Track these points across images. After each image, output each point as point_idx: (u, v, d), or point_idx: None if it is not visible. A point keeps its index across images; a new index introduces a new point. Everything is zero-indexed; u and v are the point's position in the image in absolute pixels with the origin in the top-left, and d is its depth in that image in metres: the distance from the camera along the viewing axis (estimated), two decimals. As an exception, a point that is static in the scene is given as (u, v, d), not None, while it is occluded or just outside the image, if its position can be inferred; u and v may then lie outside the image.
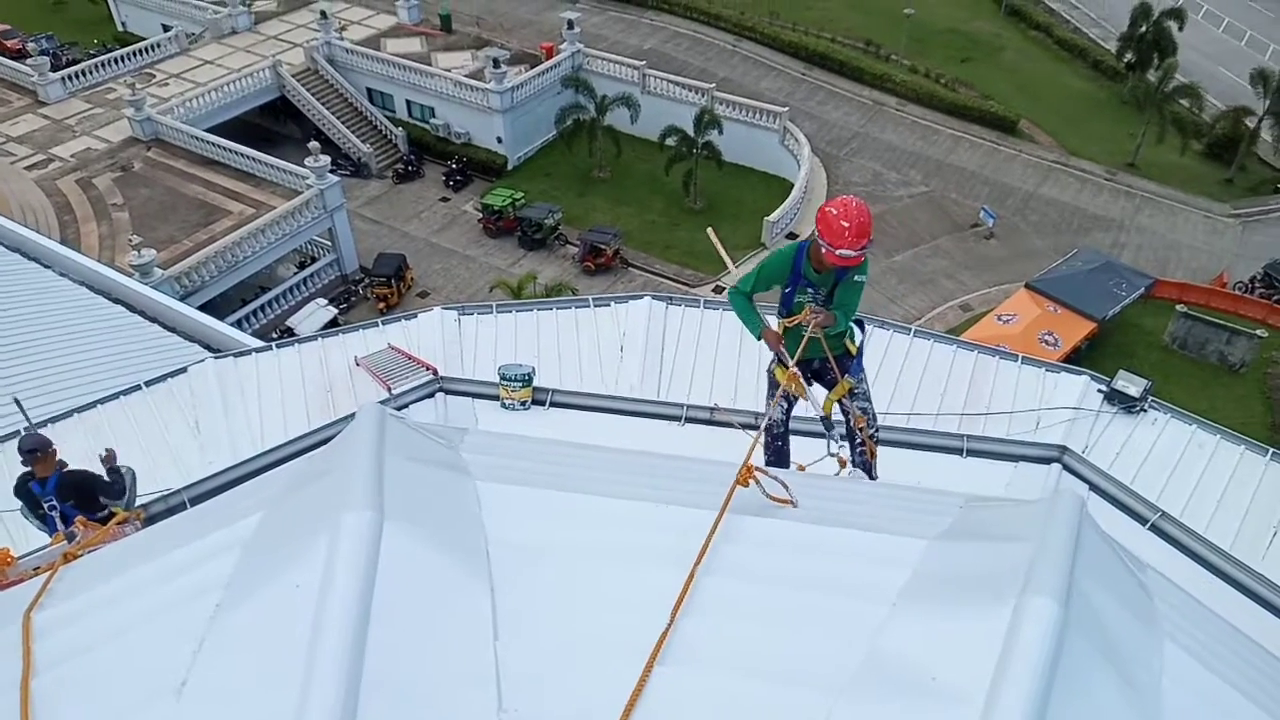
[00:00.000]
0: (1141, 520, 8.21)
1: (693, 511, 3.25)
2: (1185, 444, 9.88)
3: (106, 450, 7.17)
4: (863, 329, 5.93)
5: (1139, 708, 2.42)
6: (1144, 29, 40.52)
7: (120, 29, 45.23)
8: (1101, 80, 43.65)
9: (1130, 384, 10.12)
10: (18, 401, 8.08)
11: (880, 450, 6.11)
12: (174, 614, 2.56)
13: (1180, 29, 40.10)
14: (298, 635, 2.17)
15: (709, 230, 7.41)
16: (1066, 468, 8.68)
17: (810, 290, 5.50)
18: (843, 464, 5.99)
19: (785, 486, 3.35)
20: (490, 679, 2.24)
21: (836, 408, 5.97)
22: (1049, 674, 2.16)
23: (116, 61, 37.58)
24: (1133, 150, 38.07)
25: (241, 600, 2.49)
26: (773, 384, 5.92)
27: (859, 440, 5.97)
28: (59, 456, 7.00)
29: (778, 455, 6.05)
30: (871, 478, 5.91)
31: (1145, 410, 10.10)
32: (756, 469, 3.35)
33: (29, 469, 6.79)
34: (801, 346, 5.33)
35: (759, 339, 5.73)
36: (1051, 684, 2.15)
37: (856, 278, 5.40)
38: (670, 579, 2.76)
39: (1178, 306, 29.93)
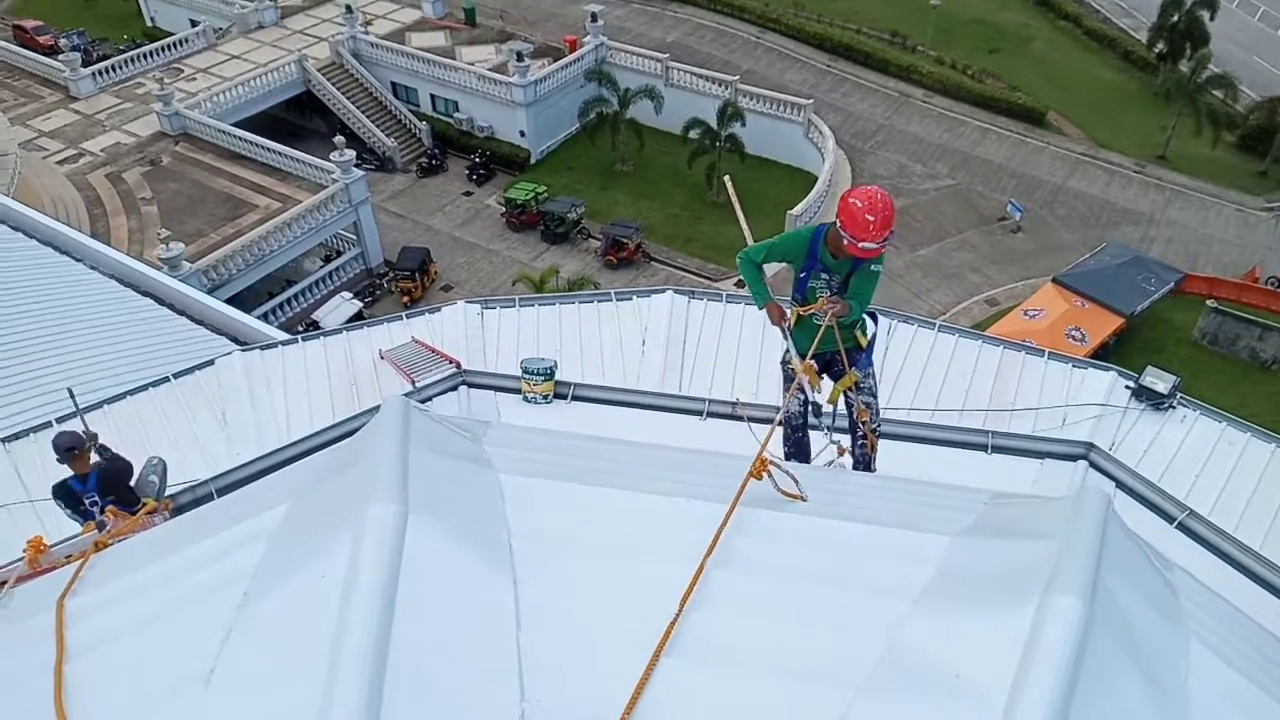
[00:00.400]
0: (1169, 519, 8.11)
1: (715, 506, 3.26)
2: (1215, 442, 9.75)
3: (84, 430, 7.18)
4: (875, 321, 5.87)
5: (1163, 708, 2.40)
6: (1176, 18, 39.81)
7: (149, 24, 45.76)
8: (1132, 71, 42.96)
9: (1158, 380, 10.00)
10: (70, 392, 8.27)
11: (905, 446, 6.08)
12: (202, 603, 2.61)
13: (1212, 18, 39.35)
14: (323, 626, 2.20)
15: (725, 179, 7.25)
16: (1093, 465, 8.59)
17: (825, 276, 5.47)
18: (841, 452, 5.95)
19: (796, 481, 3.35)
20: (513, 670, 2.26)
21: (840, 399, 5.96)
22: (1072, 673, 2.14)
23: (145, 57, 38.05)
24: (1163, 142, 37.46)
25: (268, 591, 2.53)
26: (788, 377, 5.90)
27: (860, 433, 5.95)
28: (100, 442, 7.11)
29: (798, 447, 6.04)
30: (869, 471, 5.89)
31: (1174, 407, 9.98)
32: (770, 462, 3.34)
33: (66, 468, 6.87)
34: (817, 339, 5.32)
35: (762, 308, 5.72)
36: (1075, 683, 2.13)
37: (873, 267, 5.37)
38: (689, 572, 2.77)
39: (1208, 302, 29.47)
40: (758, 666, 2.41)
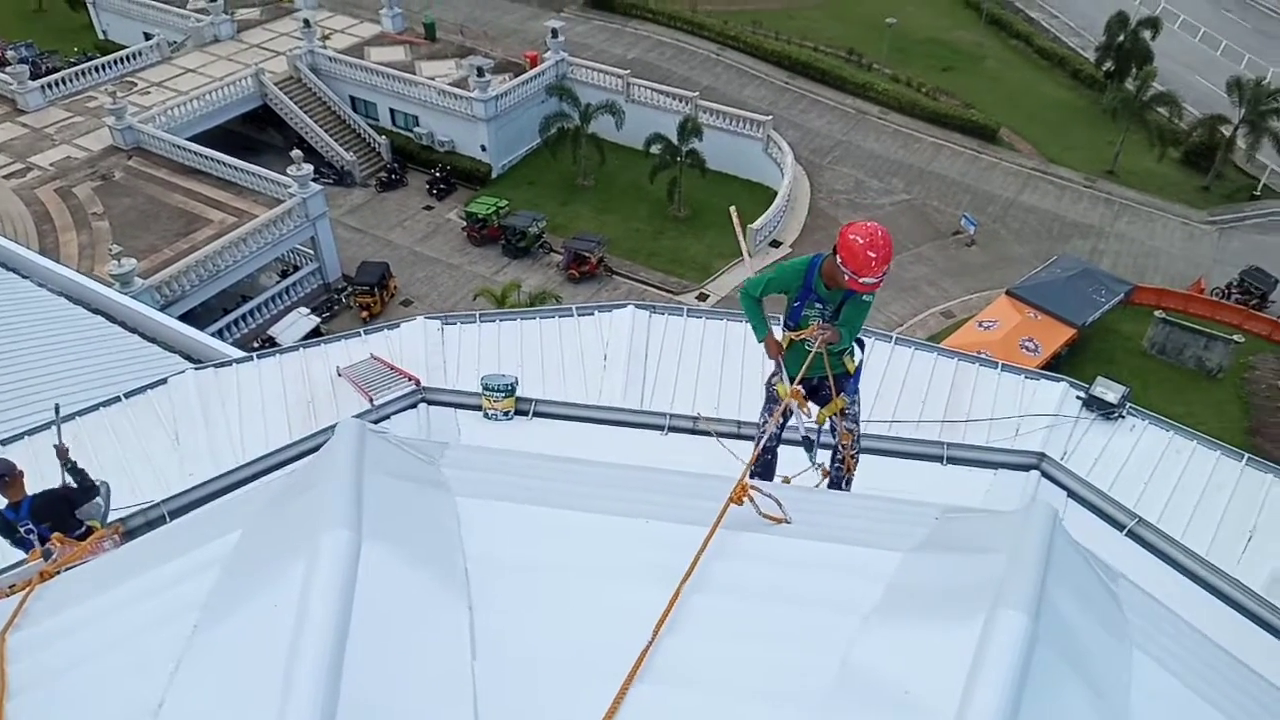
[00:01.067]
0: (1119, 526, 8.29)
1: (677, 527, 3.26)
2: (1163, 450, 9.99)
3: (56, 445, 7.03)
4: (862, 348, 5.98)
5: (1107, 716, 2.46)
6: (1121, 38, 41.05)
7: (101, 37, 44.94)
8: (1081, 89, 44.14)
9: (1108, 390, 10.23)
10: (57, 408, 8.02)
11: (863, 459, 6.18)
12: (151, 635, 2.55)
13: (1155, 38, 40.64)
14: (275, 656, 2.18)
15: (731, 210, 7.32)
16: (1045, 475, 8.76)
17: (819, 306, 5.57)
18: (825, 475, 6.07)
19: (779, 504, 3.36)
20: (467, 699, 2.25)
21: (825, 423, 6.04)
22: (1018, 686, 2.19)
23: (97, 70, 37.35)
24: (1111, 158, 38.51)
25: (219, 621, 2.49)
26: (772, 398, 5.97)
27: (839, 456, 6.04)
28: (64, 460, 6.92)
29: (765, 467, 6.09)
30: (845, 490, 5.98)
31: (1123, 416, 10.21)
32: (751, 486, 3.37)
33: None
34: (806, 364, 5.41)
35: (761, 342, 5.81)
36: (1021, 696, 2.18)
37: (865, 297, 5.46)
38: (653, 596, 2.77)
39: (1156, 312, 30.26)
40: (713, 688, 2.43)
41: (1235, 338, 29.30)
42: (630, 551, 3.08)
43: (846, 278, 5.16)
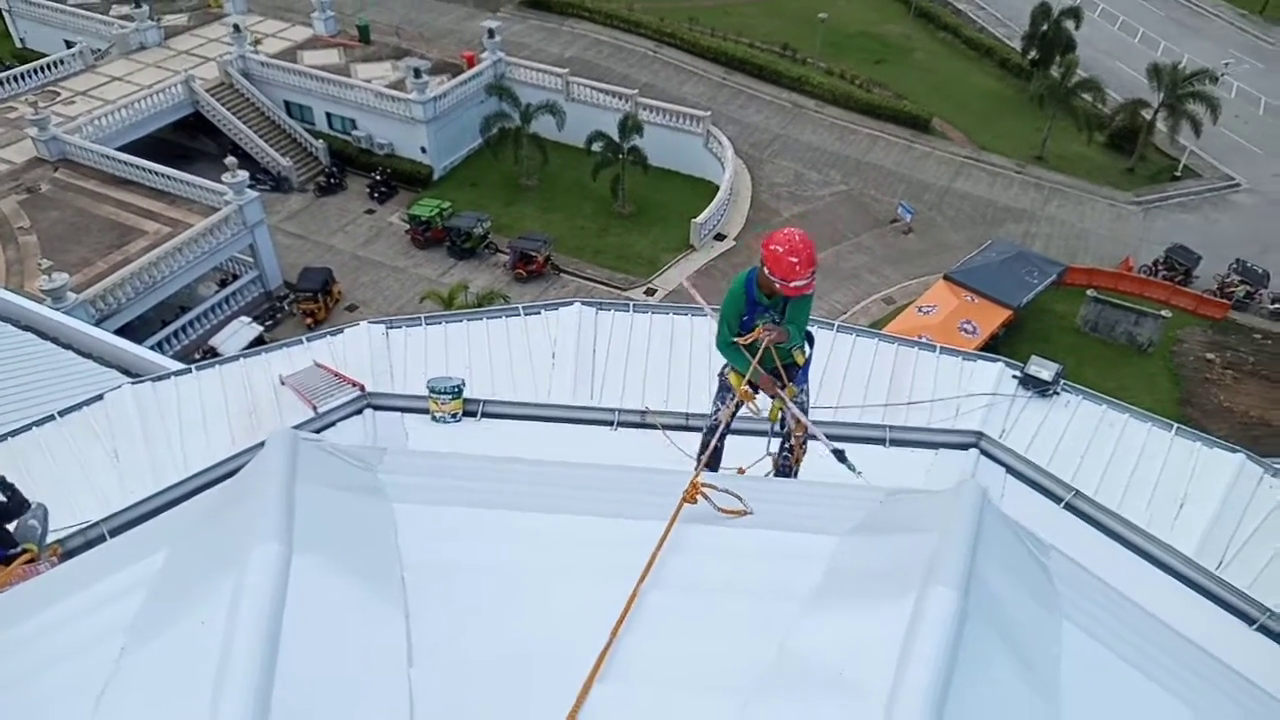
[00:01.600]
0: (1057, 500, 8.51)
1: (624, 523, 3.27)
2: (1097, 424, 10.29)
3: None
4: (812, 343, 6.21)
5: (1038, 687, 2.53)
6: (1045, 27, 42.13)
7: (19, 45, 43.32)
8: (1008, 78, 45.19)
9: (1043, 369, 10.51)
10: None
11: (808, 444, 6.32)
12: (76, 661, 2.47)
13: (1078, 27, 41.82)
14: (204, 675, 2.13)
15: (684, 283, 7.87)
16: (984, 452, 8.95)
17: (767, 315, 5.82)
18: (776, 466, 6.30)
19: (739, 498, 3.38)
20: (403, 707, 2.23)
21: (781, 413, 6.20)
22: (949, 663, 2.25)
23: (16, 79, 36.03)
24: (1040, 144, 39.51)
25: (146, 642, 2.43)
26: (725, 387, 6.19)
27: (788, 444, 6.20)
28: None
29: (713, 456, 6.19)
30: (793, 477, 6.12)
31: (1058, 393, 10.49)
32: (704, 484, 3.39)
33: None
34: (754, 361, 5.63)
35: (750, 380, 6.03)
36: (952, 672, 2.24)
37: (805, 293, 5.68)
38: (598, 595, 2.77)
39: (1088, 291, 31.14)
40: (649, 680, 2.44)
41: (1163, 313, 30.32)
42: (574, 551, 3.08)
43: (778, 285, 5.43)
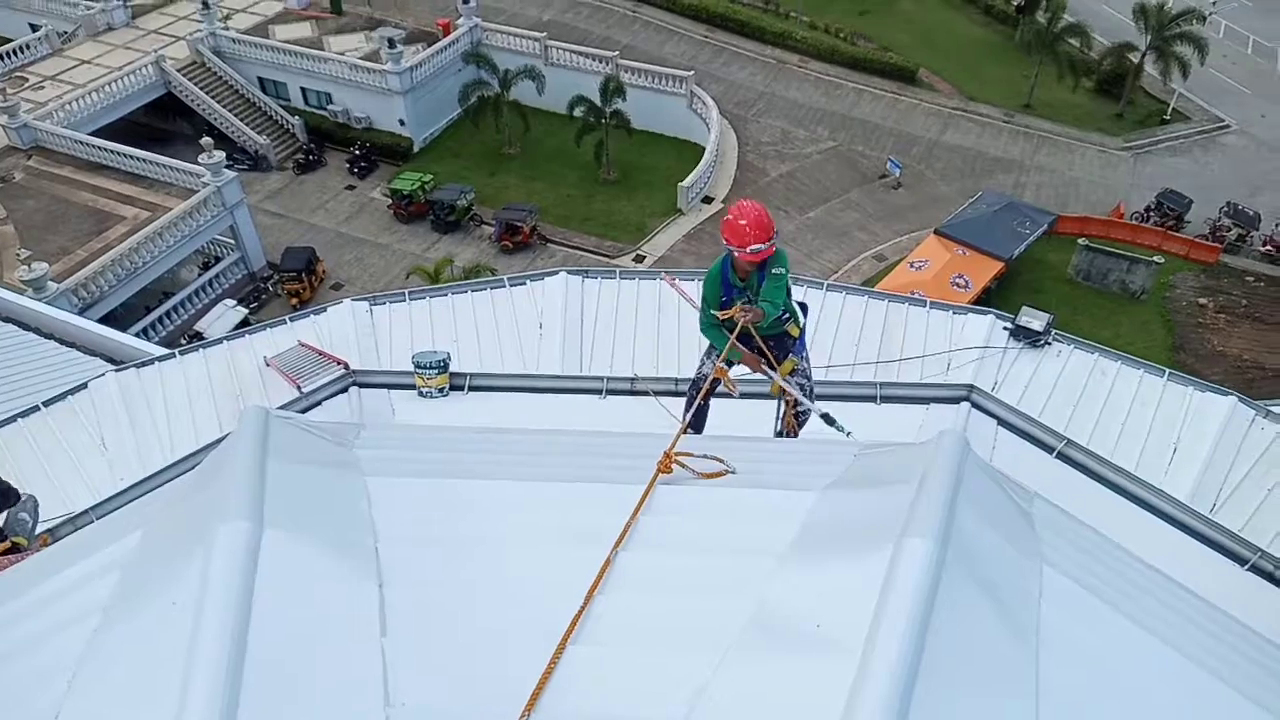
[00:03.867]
0: (1049, 449, 8.52)
1: (601, 488, 3.25)
2: (1089, 372, 10.30)
3: None
4: (805, 313, 6.25)
5: (1014, 630, 2.52)
6: (1030, -29, 41.54)
7: (-18, 31, 42.47)
8: (994, 25, 44.62)
9: (1033, 319, 10.48)
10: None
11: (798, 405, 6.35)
12: (49, 645, 2.46)
13: (1064, -30, 41.20)
14: (175, 653, 2.11)
15: (663, 278, 7.91)
16: (975, 405, 8.95)
17: (743, 295, 5.88)
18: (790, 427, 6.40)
19: (720, 460, 3.37)
20: (377, 676, 2.22)
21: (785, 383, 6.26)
22: (925, 613, 2.23)
23: (-18, 66, 35.39)
24: (1028, 91, 39.13)
25: (118, 622, 2.41)
26: (713, 347, 6.25)
27: (784, 413, 6.35)
28: None
29: (698, 415, 6.23)
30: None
31: (1049, 343, 10.48)
32: (678, 455, 3.38)
33: None
34: (729, 343, 5.70)
35: (739, 362, 6.11)
36: (928, 622, 2.22)
37: (775, 270, 5.74)
38: (574, 558, 2.75)
39: (1080, 240, 31.05)
40: (624, 641, 2.43)
41: (1156, 259, 30.25)
42: (551, 517, 3.06)
43: (735, 254, 5.50)
